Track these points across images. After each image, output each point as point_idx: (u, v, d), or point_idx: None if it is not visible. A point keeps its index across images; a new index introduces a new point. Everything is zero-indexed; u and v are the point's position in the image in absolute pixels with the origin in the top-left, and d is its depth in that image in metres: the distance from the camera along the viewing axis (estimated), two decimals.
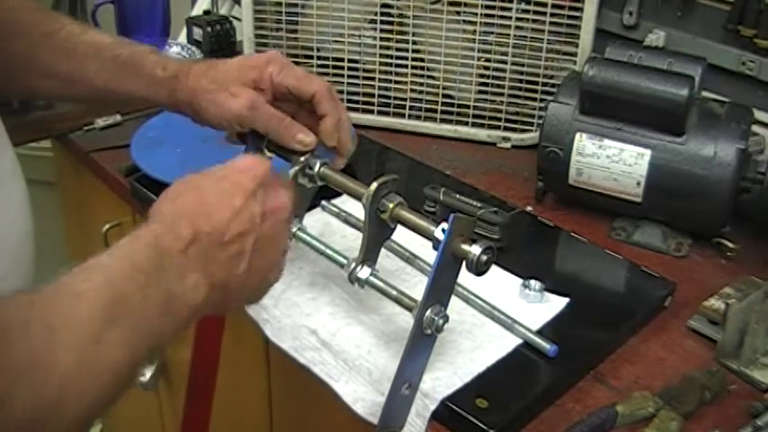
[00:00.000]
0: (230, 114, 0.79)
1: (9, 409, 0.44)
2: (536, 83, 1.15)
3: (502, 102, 1.18)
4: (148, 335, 0.52)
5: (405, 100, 1.21)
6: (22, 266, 0.69)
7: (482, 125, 1.19)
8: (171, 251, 0.55)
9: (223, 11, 1.51)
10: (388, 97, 1.21)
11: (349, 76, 1.21)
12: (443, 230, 0.65)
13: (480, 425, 0.68)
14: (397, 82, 1.21)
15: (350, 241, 0.88)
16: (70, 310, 0.48)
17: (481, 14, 1.13)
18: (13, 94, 1.08)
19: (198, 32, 1.37)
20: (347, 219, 0.92)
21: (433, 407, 0.70)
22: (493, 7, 1.12)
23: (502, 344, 0.76)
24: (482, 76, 1.17)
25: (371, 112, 1.22)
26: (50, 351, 0.46)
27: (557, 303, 0.82)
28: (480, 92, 1.18)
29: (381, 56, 1.19)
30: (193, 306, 0.56)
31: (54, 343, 0.46)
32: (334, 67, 1.21)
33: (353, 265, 0.74)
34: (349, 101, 1.22)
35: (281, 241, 0.64)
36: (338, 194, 0.89)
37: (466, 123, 1.20)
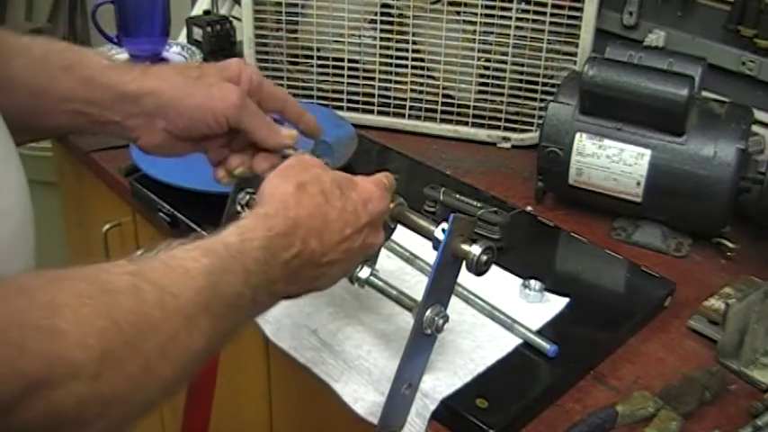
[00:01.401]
0: (216, 112, 0.71)
1: (120, 366, 0.45)
2: (536, 83, 1.15)
3: (502, 102, 1.18)
4: (222, 332, 0.54)
5: (405, 100, 1.21)
6: (19, 258, 0.66)
7: (482, 125, 1.19)
8: (277, 259, 0.58)
9: (223, 11, 1.51)
10: (388, 97, 1.21)
11: (349, 76, 1.21)
12: (443, 230, 0.65)
13: (480, 425, 0.68)
14: (397, 82, 1.21)
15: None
16: (179, 283, 0.50)
17: (481, 14, 1.13)
18: None
19: (198, 32, 1.37)
20: None
21: (433, 407, 0.70)
22: (493, 7, 1.12)
23: (502, 344, 0.76)
24: (482, 76, 1.17)
25: (371, 112, 1.22)
26: (162, 310, 0.48)
27: (557, 303, 0.82)
28: (480, 92, 1.18)
29: (381, 56, 1.19)
30: (264, 311, 0.60)
31: (165, 307, 0.48)
32: (334, 67, 1.21)
33: None
34: (349, 101, 1.22)
35: (351, 269, 0.70)
36: None
37: (466, 123, 1.20)
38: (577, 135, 0.97)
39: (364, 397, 0.73)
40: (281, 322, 0.81)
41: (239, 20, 1.31)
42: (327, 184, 0.63)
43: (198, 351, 0.51)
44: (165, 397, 0.50)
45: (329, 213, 0.62)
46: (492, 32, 1.15)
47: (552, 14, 1.11)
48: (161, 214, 0.97)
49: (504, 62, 1.15)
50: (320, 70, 1.22)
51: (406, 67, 1.19)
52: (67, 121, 0.72)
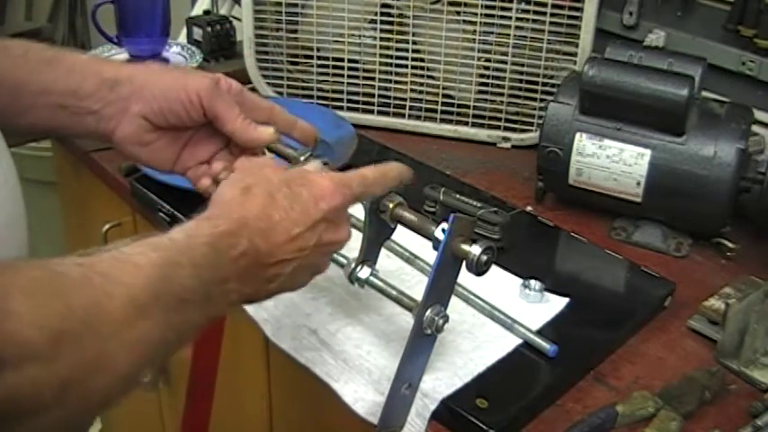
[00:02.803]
0: (189, 89, 0.71)
1: (75, 349, 0.45)
2: (536, 83, 1.15)
3: (502, 102, 1.18)
4: (176, 327, 0.54)
5: (405, 100, 1.21)
6: (12, 253, 0.66)
7: (482, 125, 1.19)
8: (225, 257, 0.57)
9: (223, 11, 1.51)
10: (388, 97, 1.21)
11: (349, 76, 1.21)
12: (443, 230, 0.65)
13: (480, 425, 0.68)
14: (397, 82, 1.21)
15: (350, 241, 0.88)
16: (129, 274, 0.50)
17: (481, 14, 1.13)
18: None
19: (198, 32, 1.37)
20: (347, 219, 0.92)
21: (433, 407, 0.70)
22: (493, 7, 1.12)
23: (502, 344, 0.76)
24: (482, 76, 1.17)
25: (371, 112, 1.22)
26: (112, 299, 0.48)
27: (557, 303, 0.82)
28: (480, 92, 1.18)
29: (381, 56, 1.19)
30: (219, 311, 0.59)
31: (115, 296, 0.49)
32: (334, 67, 1.21)
33: (353, 265, 0.74)
34: (349, 101, 1.22)
35: (318, 269, 0.67)
36: None
37: (466, 123, 1.20)
38: (577, 135, 0.97)
39: (364, 397, 0.73)
40: (281, 322, 0.81)
41: (239, 20, 1.31)
42: (275, 185, 0.63)
43: (152, 343, 0.51)
44: (122, 388, 0.50)
45: (274, 214, 0.61)
46: (492, 32, 1.15)
47: (552, 14, 1.11)
48: (161, 214, 0.97)
49: (504, 62, 1.15)
50: (320, 70, 1.22)
51: (406, 67, 1.19)
52: (46, 116, 0.71)
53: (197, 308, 0.55)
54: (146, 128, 0.72)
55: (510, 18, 1.12)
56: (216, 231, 0.57)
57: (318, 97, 1.23)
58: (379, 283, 0.74)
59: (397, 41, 1.18)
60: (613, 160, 0.95)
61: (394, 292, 0.73)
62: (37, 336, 0.44)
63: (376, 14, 1.17)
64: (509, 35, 1.13)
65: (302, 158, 0.79)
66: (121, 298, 0.49)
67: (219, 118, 0.72)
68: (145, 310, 0.50)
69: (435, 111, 1.20)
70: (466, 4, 1.13)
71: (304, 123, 0.77)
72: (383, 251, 0.77)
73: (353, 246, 0.70)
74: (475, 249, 0.64)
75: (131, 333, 0.49)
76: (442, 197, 0.93)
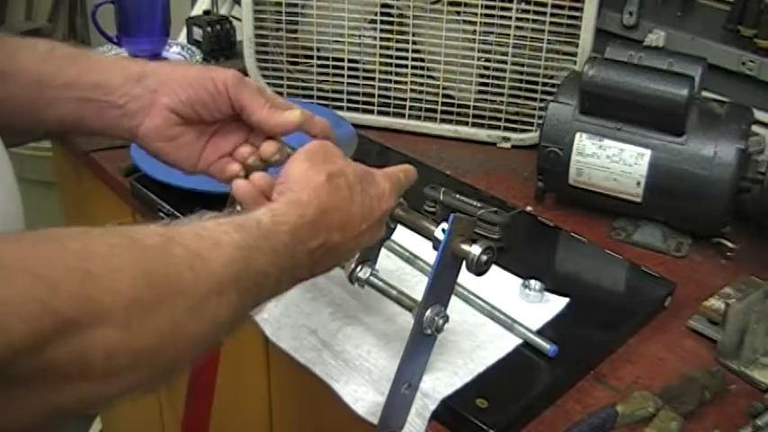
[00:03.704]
0: (216, 80, 0.71)
1: (149, 317, 0.46)
2: (536, 83, 1.15)
3: (502, 102, 1.18)
4: (246, 307, 0.56)
5: (405, 100, 1.21)
6: None
7: (482, 125, 1.19)
8: (303, 247, 0.60)
9: (223, 11, 1.51)
10: (388, 97, 1.21)
11: (349, 76, 1.21)
12: (443, 230, 0.65)
13: (480, 425, 0.68)
14: (397, 82, 1.21)
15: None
16: (211, 251, 0.52)
17: (481, 14, 1.13)
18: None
19: (198, 32, 1.37)
20: None
21: (432, 407, 0.70)
22: (493, 7, 1.12)
23: (502, 344, 0.76)
24: (482, 76, 1.17)
25: (371, 112, 1.22)
26: (192, 271, 0.49)
27: (557, 303, 0.82)
28: (480, 92, 1.18)
29: (381, 56, 1.19)
30: (286, 291, 0.61)
31: (195, 269, 0.50)
32: (334, 67, 1.21)
33: (353, 265, 0.74)
34: (349, 101, 1.22)
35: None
36: None
37: (466, 123, 1.20)
38: (577, 135, 0.97)
39: (364, 397, 0.73)
40: (280, 322, 0.81)
41: (239, 20, 1.31)
42: (351, 177, 0.65)
43: (224, 320, 0.52)
44: (190, 358, 0.52)
45: (352, 208, 0.64)
46: (492, 32, 1.15)
47: (552, 14, 1.11)
48: (161, 214, 0.97)
49: (504, 62, 1.15)
50: (320, 70, 1.22)
51: (406, 67, 1.19)
52: (72, 109, 0.71)
53: (268, 291, 0.58)
54: (172, 121, 0.72)
55: (510, 18, 1.12)
56: (302, 222, 0.60)
57: (318, 97, 1.23)
58: (379, 283, 0.74)
59: (397, 41, 1.18)
60: (613, 160, 0.95)
61: (394, 292, 0.73)
62: (113, 301, 0.44)
63: (376, 14, 1.17)
64: (509, 35, 1.13)
65: None
66: (201, 272, 0.50)
67: (246, 107, 0.72)
68: (222, 289, 0.51)
69: (435, 111, 1.20)
70: (466, 4, 1.13)
71: (320, 118, 0.77)
72: (383, 251, 0.77)
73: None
74: (475, 249, 0.64)
75: (208, 308, 0.50)
76: (442, 197, 0.93)
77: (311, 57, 1.22)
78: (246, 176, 0.72)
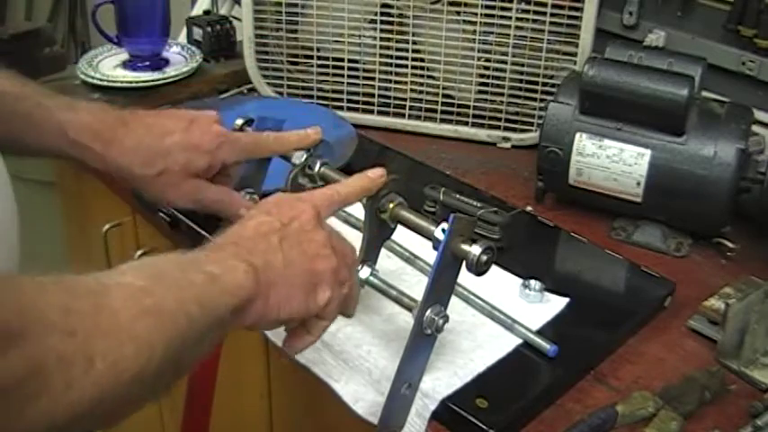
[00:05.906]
0: (168, 203, 0.83)
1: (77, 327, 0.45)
2: (536, 83, 1.15)
3: (502, 102, 1.18)
4: (184, 314, 0.53)
5: (405, 100, 1.21)
6: (2, 253, 0.65)
7: (482, 125, 1.19)
8: (210, 251, 0.59)
9: (223, 11, 1.51)
10: (388, 97, 1.21)
11: (349, 76, 1.21)
12: (443, 230, 0.65)
13: (480, 425, 0.68)
14: (397, 82, 1.21)
15: (350, 241, 0.88)
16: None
17: (481, 14, 1.13)
18: None
19: (198, 32, 1.37)
20: (347, 219, 0.92)
21: (432, 407, 0.70)
22: (493, 7, 1.12)
23: (502, 344, 0.76)
24: (482, 76, 1.17)
25: (371, 112, 1.22)
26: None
27: (557, 303, 0.82)
28: (480, 92, 1.18)
29: (381, 56, 1.19)
30: (236, 290, 0.57)
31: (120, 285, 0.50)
32: (334, 67, 1.21)
33: None
34: (349, 101, 1.22)
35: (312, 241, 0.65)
36: None
37: (466, 123, 1.20)
38: (577, 135, 0.97)
39: (364, 397, 0.73)
40: None
41: (239, 20, 1.31)
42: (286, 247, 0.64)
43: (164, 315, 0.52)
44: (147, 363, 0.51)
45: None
46: (492, 32, 1.15)
47: (552, 14, 1.11)
48: (161, 214, 0.97)
49: (504, 62, 1.15)
50: (320, 70, 1.22)
51: (406, 67, 1.19)
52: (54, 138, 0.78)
53: (206, 292, 0.56)
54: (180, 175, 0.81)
55: (510, 18, 1.12)
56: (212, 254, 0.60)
57: (318, 97, 1.23)
58: (379, 283, 0.74)
59: (397, 41, 1.18)
60: (613, 160, 0.95)
61: (394, 292, 0.73)
62: (48, 310, 0.44)
63: (376, 14, 1.17)
64: (509, 35, 1.13)
65: (302, 158, 0.79)
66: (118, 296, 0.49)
67: (207, 210, 0.82)
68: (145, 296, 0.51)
69: (435, 111, 1.20)
70: (466, 4, 1.13)
71: (308, 134, 0.81)
72: (383, 251, 0.77)
73: (353, 246, 0.70)
74: (475, 249, 0.64)
75: (143, 302, 0.50)
76: (442, 197, 0.93)
77: (311, 57, 1.22)
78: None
